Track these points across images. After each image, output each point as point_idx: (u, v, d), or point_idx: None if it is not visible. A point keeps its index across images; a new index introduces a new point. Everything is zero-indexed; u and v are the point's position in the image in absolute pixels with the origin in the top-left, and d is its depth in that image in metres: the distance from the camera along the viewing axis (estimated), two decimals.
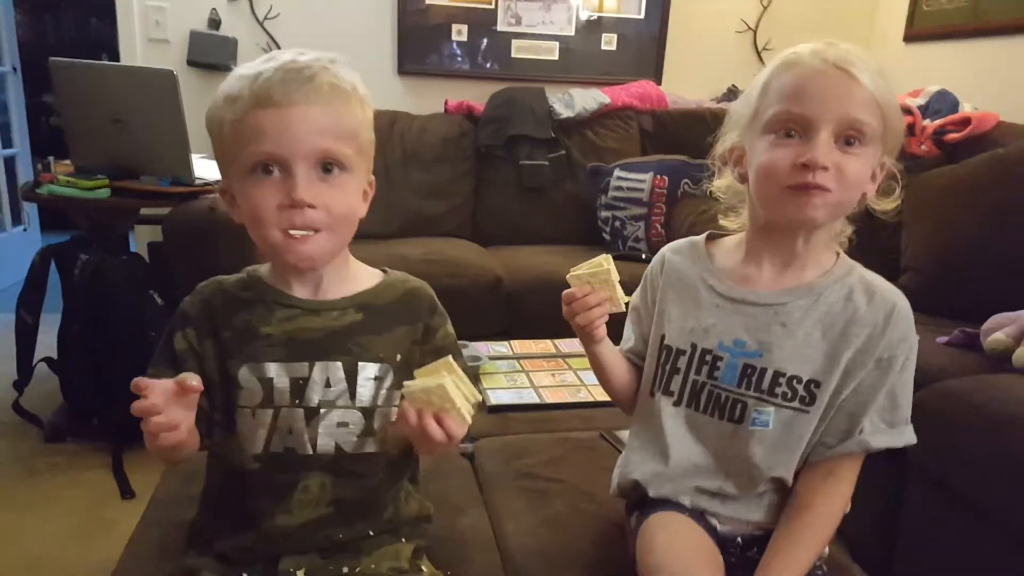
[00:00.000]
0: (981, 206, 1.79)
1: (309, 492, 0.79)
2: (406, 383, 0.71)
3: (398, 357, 0.80)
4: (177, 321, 0.79)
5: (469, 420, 0.70)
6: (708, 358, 0.84)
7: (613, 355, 0.92)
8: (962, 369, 1.44)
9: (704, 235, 0.92)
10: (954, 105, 2.23)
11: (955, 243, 1.82)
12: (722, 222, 0.91)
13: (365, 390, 0.78)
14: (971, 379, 1.38)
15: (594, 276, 0.84)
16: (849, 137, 0.75)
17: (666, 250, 0.93)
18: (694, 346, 0.85)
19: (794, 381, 0.81)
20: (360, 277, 0.83)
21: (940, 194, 1.90)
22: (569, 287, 0.86)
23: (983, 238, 1.76)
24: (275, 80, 0.70)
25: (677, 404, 0.87)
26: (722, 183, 0.88)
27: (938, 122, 2.14)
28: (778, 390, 0.81)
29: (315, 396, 0.77)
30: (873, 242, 2.04)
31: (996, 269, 1.72)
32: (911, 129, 2.18)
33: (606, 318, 0.86)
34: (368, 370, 0.78)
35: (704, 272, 0.88)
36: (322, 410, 0.78)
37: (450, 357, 0.71)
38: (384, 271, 0.85)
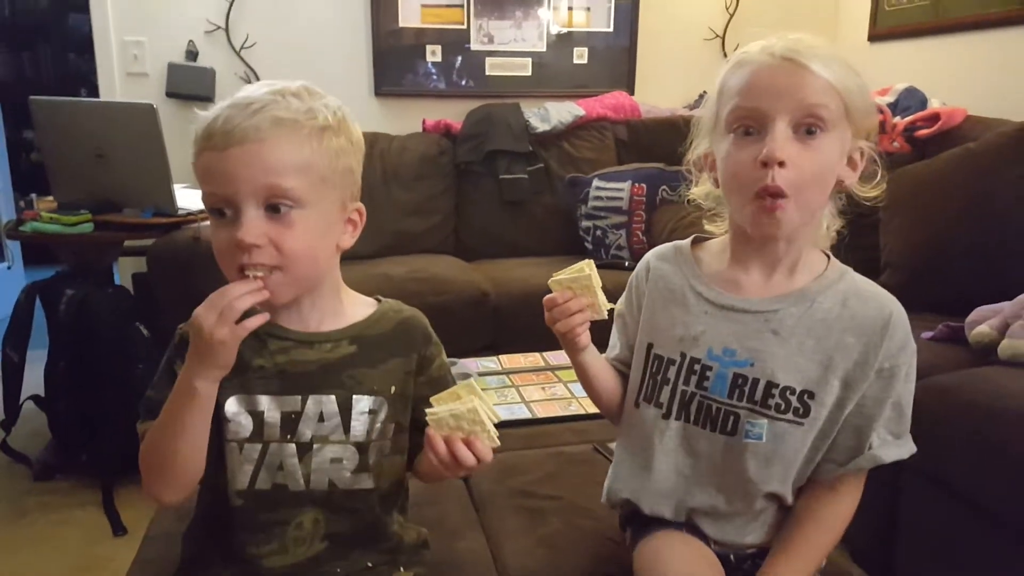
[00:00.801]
0: (955, 200, 1.82)
1: (302, 529, 0.78)
2: (430, 410, 0.70)
3: (392, 389, 0.79)
4: (177, 348, 0.77)
5: (498, 442, 0.70)
6: (697, 367, 0.81)
7: (599, 364, 0.89)
8: (949, 364, 1.45)
9: (689, 239, 0.90)
10: (923, 102, 2.27)
11: (932, 238, 1.84)
12: (708, 227, 0.90)
13: (359, 424, 0.77)
14: (958, 373, 1.39)
15: (575, 282, 0.81)
16: (809, 125, 0.74)
17: (651, 256, 0.91)
18: (683, 355, 0.82)
19: (787, 392, 0.78)
20: (353, 307, 0.82)
21: (914, 190, 1.93)
22: (551, 293, 0.83)
23: (959, 231, 1.79)
24: (219, 119, 0.69)
25: (667, 416, 0.84)
26: (700, 190, 0.87)
27: (908, 119, 2.18)
28: (771, 401, 0.78)
29: (308, 431, 0.76)
30: (854, 239, 2.08)
31: (974, 262, 1.74)
32: (882, 127, 2.22)
33: (588, 325, 0.84)
34: (362, 403, 0.77)
35: (692, 278, 0.85)
36: (315, 445, 0.77)
37: (472, 379, 0.71)
38: (378, 300, 0.84)
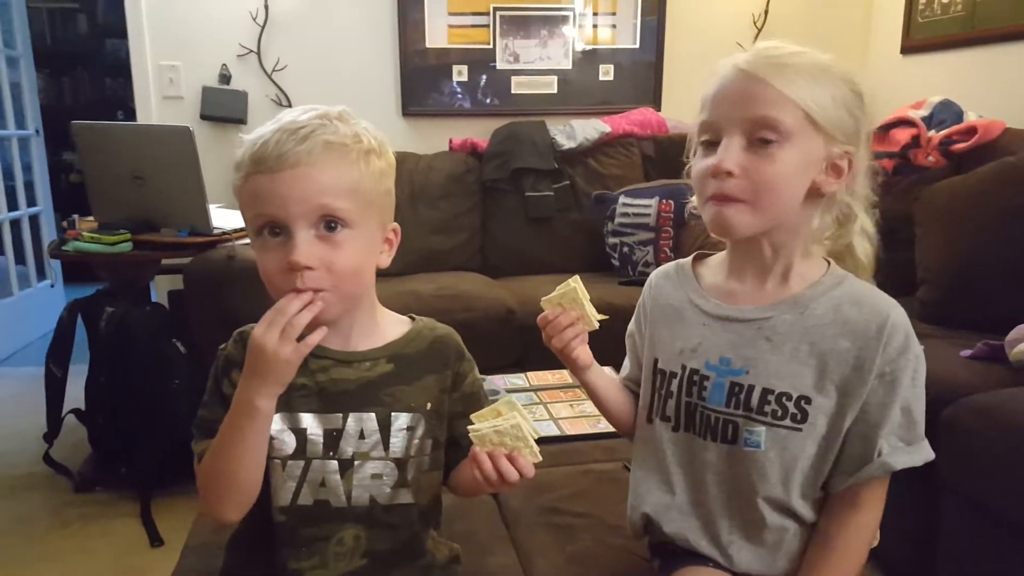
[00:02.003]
0: (993, 215, 1.78)
1: (343, 544, 0.79)
2: (473, 427, 0.72)
3: (428, 406, 0.81)
4: (223, 368, 0.79)
5: (540, 457, 0.72)
6: (696, 378, 0.83)
7: (605, 383, 0.91)
8: (988, 383, 1.41)
9: (691, 256, 0.91)
10: (958, 115, 2.23)
11: (969, 253, 1.80)
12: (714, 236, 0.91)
13: (398, 440, 0.79)
14: (998, 392, 1.36)
15: (563, 297, 0.84)
16: (761, 138, 0.75)
17: (654, 275, 0.94)
18: (683, 367, 0.84)
19: (783, 398, 0.78)
20: (389, 326, 0.84)
21: (950, 204, 1.90)
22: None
23: (998, 247, 1.74)
24: (270, 143, 0.70)
25: (676, 430, 0.85)
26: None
27: (943, 132, 2.14)
28: (767, 408, 0.79)
29: (349, 448, 0.78)
30: (887, 254, 2.04)
31: (1013, 278, 1.69)
32: (916, 141, 2.19)
33: (583, 339, 0.85)
34: (400, 420, 0.79)
35: (690, 292, 0.87)
36: (356, 462, 0.79)
37: (512, 397, 0.73)
38: (412, 318, 0.86)
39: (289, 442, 0.77)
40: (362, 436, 0.78)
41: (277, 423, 0.77)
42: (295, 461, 0.78)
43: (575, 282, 0.84)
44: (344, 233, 0.73)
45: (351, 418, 0.78)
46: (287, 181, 0.70)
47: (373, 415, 0.79)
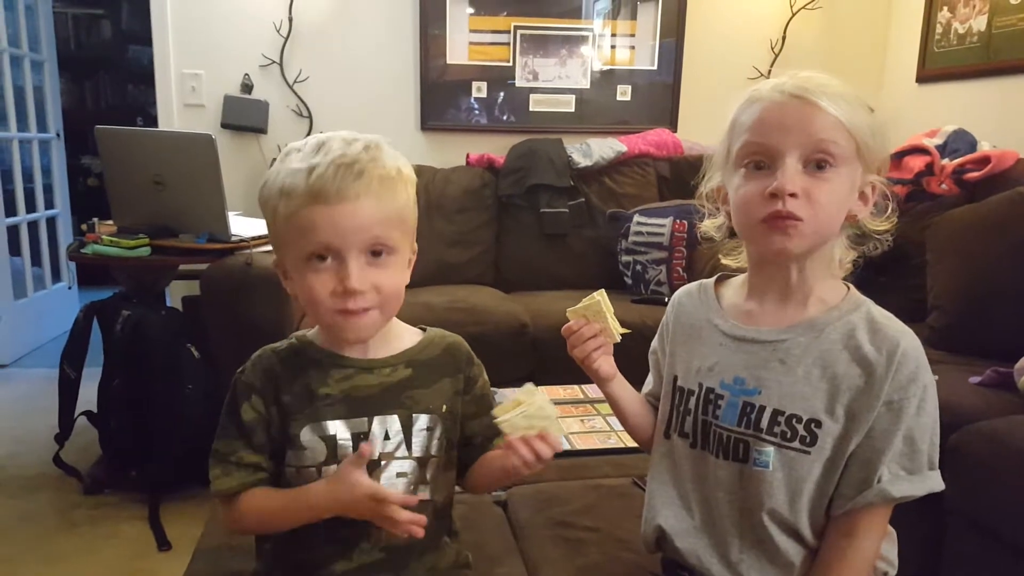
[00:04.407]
0: (1005, 244, 1.79)
1: (370, 539, 0.83)
2: (502, 419, 0.76)
3: (444, 408, 0.85)
4: (240, 393, 0.82)
5: (564, 430, 0.76)
6: (712, 397, 0.84)
7: (628, 395, 0.93)
8: (996, 410, 1.42)
9: (714, 277, 0.93)
10: (972, 144, 2.24)
11: (980, 281, 1.81)
12: (724, 260, 0.91)
13: (419, 440, 0.83)
14: (1006, 419, 1.37)
15: (588, 309, 0.87)
16: (819, 161, 0.76)
17: (677, 293, 0.95)
18: (700, 385, 0.86)
19: (793, 420, 0.79)
20: (403, 335, 0.88)
21: (963, 233, 1.91)
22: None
23: (1009, 275, 1.75)
24: (327, 177, 0.73)
25: (693, 446, 0.86)
26: (712, 223, 0.89)
27: (957, 161, 2.16)
28: (777, 429, 0.80)
29: (376, 449, 0.81)
30: (900, 282, 2.05)
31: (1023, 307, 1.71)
32: (930, 168, 2.20)
33: (607, 351, 0.88)
34: (420, 421, 0.83)
35: (711, 312, 0.89)
36: (382, 462, 0.82)
37: (530, 383, 0.79)
38: (423, 329, 0.90)
39: (320, 450, 0.81)
40: (387, 437, 0.82)
41: (307, 434, 0.81)
42: (328, 467, 0.81)
43: (600, 295, 0.86)
44: (389, 259, 0.78)
45: (376, 421, 0.82)
46: (347, 214, 0.74)
47: (396, 417, 0.82)
